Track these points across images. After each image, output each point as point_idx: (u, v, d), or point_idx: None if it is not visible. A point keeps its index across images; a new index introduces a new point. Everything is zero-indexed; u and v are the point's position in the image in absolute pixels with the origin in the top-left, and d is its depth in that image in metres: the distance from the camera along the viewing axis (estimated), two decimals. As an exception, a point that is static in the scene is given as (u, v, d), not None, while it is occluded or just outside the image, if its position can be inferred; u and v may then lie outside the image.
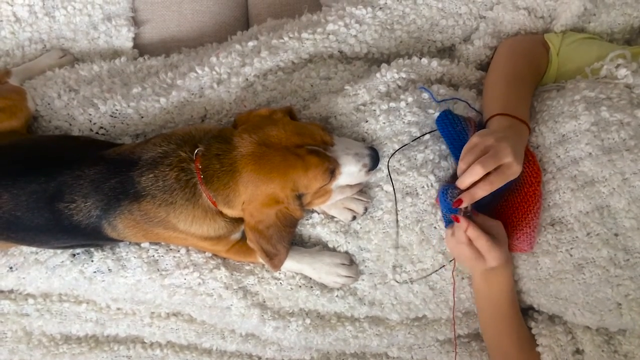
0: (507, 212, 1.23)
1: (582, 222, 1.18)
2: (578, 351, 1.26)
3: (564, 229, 1.21)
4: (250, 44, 1.50)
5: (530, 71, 1.37)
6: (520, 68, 1.37)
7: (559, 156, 1.22)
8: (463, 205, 1.13)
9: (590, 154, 1.17)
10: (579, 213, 1.18)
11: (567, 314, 1.26)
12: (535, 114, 1.30)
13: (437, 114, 1.27)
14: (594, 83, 1.27)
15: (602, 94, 1.22)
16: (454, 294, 1.30)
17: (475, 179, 1.10)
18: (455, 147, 1.23)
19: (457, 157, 1.21)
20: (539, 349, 1.26)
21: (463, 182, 1.12)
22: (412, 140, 1.27)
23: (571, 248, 1.19)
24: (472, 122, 1.26)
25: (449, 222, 1.21)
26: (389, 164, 1.28)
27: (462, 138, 1.22)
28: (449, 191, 1.16)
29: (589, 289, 1.18)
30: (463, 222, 1.13)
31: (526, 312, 1.35)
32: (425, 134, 1.28)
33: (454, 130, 1.24)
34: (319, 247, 1.37)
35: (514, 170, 1.11)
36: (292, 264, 1.33)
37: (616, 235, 1.14)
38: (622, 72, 1.23)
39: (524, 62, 1.38)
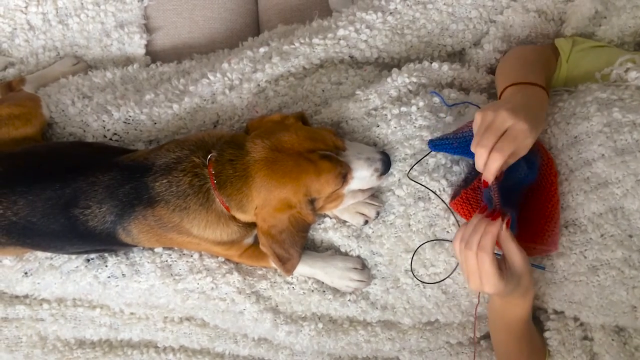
0: (534, 213, 1.20)
1: (595, 223, 1.17)
2: (587, 338, 1.26)
3: (577, 230, 1.20)
4: (262, 50, 1.51)
5: (540, 60, 1.36)
6: (529, 56, 1.37)
7: (572, 158, 1.22)
8: (490, 182, 1.04)
9: (603, 155, 1.17)
10: (593, 215, 1.18)
11: (581, 316, 1.26)
12: (546, 116, 1.30)
13: (437, 137, 1.24)
14: (605, 85, 1.26)
15: (614, 95, 1.21)
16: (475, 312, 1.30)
17: (485, 159, 1.02)
18: (469, 154, 1.17)
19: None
20: (547, 334, 1.27)
21: (478, 167, 1.05)
22: (415, 163, 1.28)
23: (585, 250, 1.18)
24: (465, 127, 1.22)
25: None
26: (408, 174, 1.28)
27: (467, 141, 1.17)
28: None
29: (604, 291, 1.17)
30: (497, 223, 1.02)
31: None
32: (425, 155, 1.27)
33: (454, 145, 1.20)
34: (331, 251, 1.37)
35: (519, 128, 1.01)
36: (305, 269, 1.33)
37: (630, 236, 1.14)
38: (633, 74, 1.23)
39: (533, 53, 1.39)
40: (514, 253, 1.04)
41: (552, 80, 1.40)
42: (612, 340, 1.21)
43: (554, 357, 1.25)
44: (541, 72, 1.29)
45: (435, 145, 1.22)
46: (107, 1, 1.68)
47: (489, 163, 1.02)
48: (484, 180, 1.07)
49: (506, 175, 1.08)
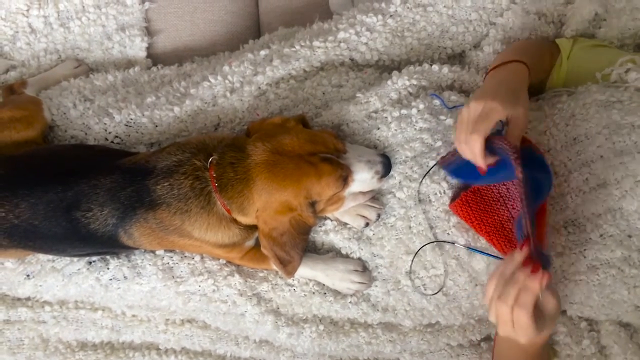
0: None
1: (594, 223, 1.18)
2: (593, 330, 1.26)
3: (576, 230, 1.21)
4: (263, 52, 1.51)
5: (529, 48, 1.37)
6: (520, 44, 1.39)
7: (571, 159, 1.23)
8: (480, 165, 1.05)
9: (601, 156, 1.17)
10: (592, 215, 1.18)
11: (583, 316, 1.26)
12: (546, 117, 1.30)
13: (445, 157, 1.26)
14: (605, 87, 1.27)
15: (613, 97, 1.22)
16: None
17: (468, 152, 1.05)
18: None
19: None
20: None
21: (465, 155, 1.07)
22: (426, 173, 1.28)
23: (584, 249, 1.19)
24: None
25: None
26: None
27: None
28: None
29: (604, 290, 1.17)
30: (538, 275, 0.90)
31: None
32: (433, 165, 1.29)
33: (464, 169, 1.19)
34: (332, 253, 1.37)
35: (488, 107, 1.02)
36: (306, 271, 1.34)
37: (630, 236, 1.14)
38: (633, 75, 1.24)
39: (527, 45, 1.40)
40: (550, 299, 0.94)
41: (552, 79, 1.40)
42: (619, 331, 1.21)
43: (562, 352, 1.24)
44: (524, 53, 1.27)
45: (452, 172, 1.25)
46: (109, 4, 1.69)
47: (471, 147, 1.03)
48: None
49: (535, 189, 1.03)
